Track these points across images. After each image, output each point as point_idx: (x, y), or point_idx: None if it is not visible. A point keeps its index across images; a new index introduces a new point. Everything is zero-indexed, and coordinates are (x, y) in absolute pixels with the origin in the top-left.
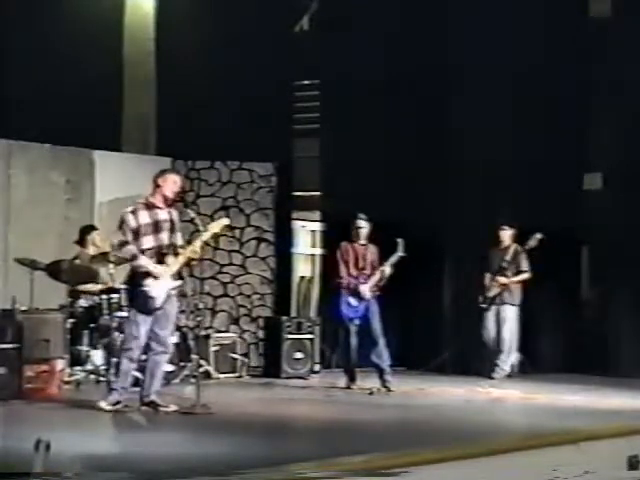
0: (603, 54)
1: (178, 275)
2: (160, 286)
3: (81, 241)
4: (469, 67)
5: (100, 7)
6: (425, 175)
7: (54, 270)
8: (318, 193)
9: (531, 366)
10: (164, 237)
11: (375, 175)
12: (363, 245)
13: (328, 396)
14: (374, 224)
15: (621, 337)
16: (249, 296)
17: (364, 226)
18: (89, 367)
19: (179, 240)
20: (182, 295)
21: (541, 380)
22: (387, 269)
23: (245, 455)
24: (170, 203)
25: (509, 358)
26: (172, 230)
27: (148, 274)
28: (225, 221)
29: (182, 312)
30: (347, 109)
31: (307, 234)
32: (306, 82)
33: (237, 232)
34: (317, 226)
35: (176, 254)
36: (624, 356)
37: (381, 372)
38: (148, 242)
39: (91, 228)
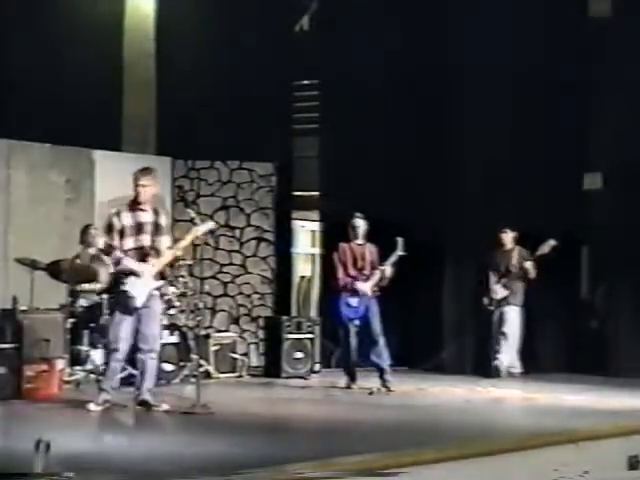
0: (603, 54)
1: (161, 276)
2: (140, 286)
3: (82, 241)
4: (469, 67)
5: (100, 8)
6: (425, 175)
7: (54, 270)
8: (318, 193)
9: (531, 366)
10: (146, 238)
11: (375, 175)
12: (361, 245)
13: (328, 396)
14: (374, 224)
15: (621, 337)
16: (249, 296)
17: (361, 225)
18: (89, 367)
19: (164, 243)
20: (182, 295)
21: (542, 380)
22: (387, 269)
23: (245, 455)
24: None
25: (510, 358)
26: (156, 233)
27: (130, 274)
28: (211, 225)
29: (182, 312)
30: (347, 109)
31: (307, 234)
32: (306, 82)
33: (237, 232)
34: (317, 226)
35: (158, 255)
36: (624, 356)
37: (381, 372)
38: (129, 243)
39: (88, 227)
